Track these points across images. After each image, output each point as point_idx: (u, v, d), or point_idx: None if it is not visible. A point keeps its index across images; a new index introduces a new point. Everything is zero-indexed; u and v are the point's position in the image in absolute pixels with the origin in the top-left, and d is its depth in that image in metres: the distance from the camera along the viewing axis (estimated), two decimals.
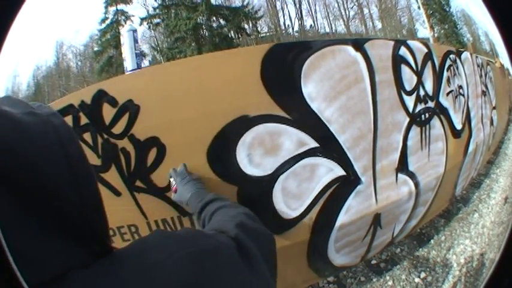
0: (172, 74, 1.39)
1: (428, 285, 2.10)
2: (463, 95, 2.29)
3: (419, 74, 1.86)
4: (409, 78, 1.79)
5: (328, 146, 1.50)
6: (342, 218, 1.62)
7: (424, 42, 1.98)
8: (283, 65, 1.40)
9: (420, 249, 2.37)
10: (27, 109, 0.37)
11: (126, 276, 0.35)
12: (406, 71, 1.78)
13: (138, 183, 1.36)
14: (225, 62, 1.40)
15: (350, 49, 1.55)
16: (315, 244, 1.62)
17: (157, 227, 1.38)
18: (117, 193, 1.37)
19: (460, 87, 2.24)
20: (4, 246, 0.29)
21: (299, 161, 1.45)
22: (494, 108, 3.01)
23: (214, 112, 1.36)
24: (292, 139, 1.43)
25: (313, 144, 1.47)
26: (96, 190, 0.39)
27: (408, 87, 1.79)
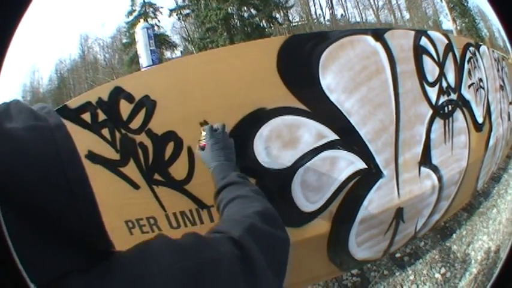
0: (188, 68, 1.33)
1: (447, 281, 1.99)
2: (483, 88, 2.12)
3: (441, 65, 1.73)
4: (431, 70, 1.66)
5: (348, 138, 1.40)
6: (363, 212, 1.52)
7: (445, 33, 1.84)
8: (301, 57, 1.32)
9: (443, 243, 2.23)
10: (30, 121, 0.36)
11: (119, 285, 0.35)
12: (428, 62, 1.65)
13: (157, 176, 1.31)
14: (241, 55, 1.33)
15: (370, 39, 1.44)
16: (335, 238, 1.52)
17: (176, 219, 1.33)
18: (136, 186, 1.32)
19: (481, 80, 2.08)
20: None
21: (318, 153, 1.36)
22: (511, 103, 2.80)
23: (230, 105, 1.29)
24: (311, 132, 1.34)
25: (332, 136, 1.37)
26: (95, 210, 0.38)
27: (431, 79, 1.66)
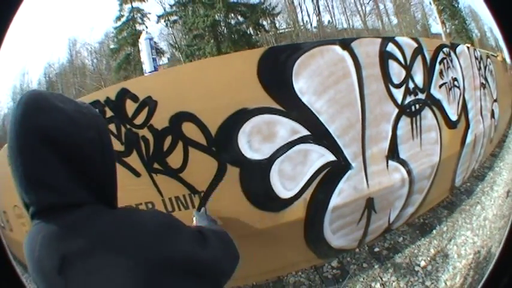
0: (183, 75, 1.89)
1: (428, 274, 2.41)
2: (458, 87, 2.68)
3: (408, 68, 2.29)
4: (397, 72, 2.23)
5: (318, 134, 1.96)
6: (335, 200, 2.06)
7: (414, 38, 2.41)
8: (277, 65, 1.88)
9: (422, 239, 2.74)
10: (77, 107, 0.71)
11: (116, 218, 0.68)
12: (394, 66, 2.21)
13: (156, 165, 1.85)
14: (227, 63, 1.90)
15: (337, 48, 2.01)
16: (311, 223, 2.05)
17: (171, 204, 1.87)
18: (138, 174, 1.86)
19: (455, 79, 2.64)
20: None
21: (293, 147, 1.91)
22: (495, 101, 3.36)
23: (218, 105, 1.84)
24: (286, 128, 1.90)
25: (305, 132, 1.93)
26: (114, 165, 0.76)
27: (396, 81, 2.22)
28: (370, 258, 2.63)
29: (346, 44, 2.03)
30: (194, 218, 1.55)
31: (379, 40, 2.18)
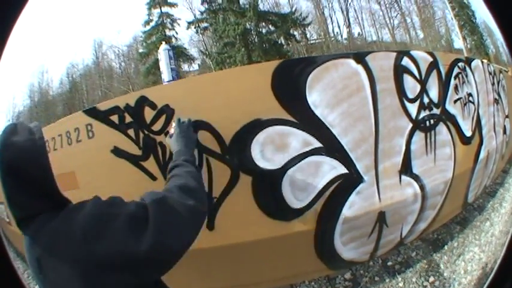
0: (200, 85, 1.99)
1: None
2: (473, 103, 2.69)
3: (423, 82, 2.32)
4: (411, 87, 2.26)
5: (331, 146, 2.00)
6: (346, 212, 2.09)
7: (430, 52, 2.45)
8: (291, 78, 1.95)
9: (434, 254, 2.73)
10: (27, 137, 0.90)
11: (59, 221, 0.85)
12: (408, 80, 2.25)
13: None
14: (243, 75, 1.98)
15: (351, 62, 2.07)
16: (321, 234, 2.09)
17: None
18: (154, 178, 1.95)
19: (470, 94, 2.65)
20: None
21: (305, 158, 1.97)
22: (507, 116, 3.33)
23: (233, 115, 1.92)
24: (299, 139, 1.95)
25: (317, 144, 1.98)
26: (51, 177, 0.90)
27: (411, 95, 2.25)
28: (382, 272, 2.65)
29: (360, 58, 2.09)
30: (173, 124, 1.55)
31: (394, 54, 2.23)
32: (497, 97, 3.15)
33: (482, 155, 2.77)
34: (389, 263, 2.70)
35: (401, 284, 2.57)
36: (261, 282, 2.28)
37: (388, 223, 2.26)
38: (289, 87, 1.95)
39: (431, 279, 2.56)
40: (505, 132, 3.29)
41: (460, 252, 2.70)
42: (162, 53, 2.43)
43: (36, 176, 0.88)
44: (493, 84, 3.09)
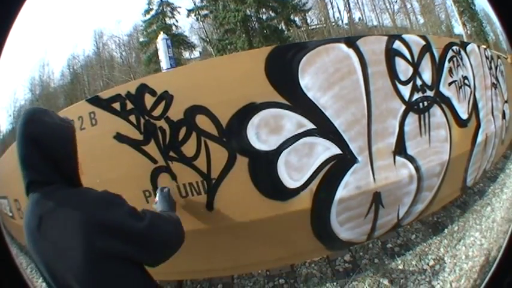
0: (197, 71, 2.12)
1: (435, 274, 2.49)
2: (469, 86, 2.75)
3: (415, 65, 2.40)
4: (404, 70, 2.34)
5: (324, 128, 2.11)
6: (341, 192, 2.19)
7: (423, 35, 2.53)
8: (284, 62, 2.06)
9: (434, 237, 2.80)
10: (55, 120, 1.12)
11: (73, 191, 1.06)
12: (400, 63, 2.34)
13: (172, 153, 2.07)
14: (238, 61, 2.10)
15: (343, 46, 2.17)
16: (318, 214, 2.19)
17: (185, 189, 2.07)
18: (155, 161, 2.08)
19: (465, 77, 2.71)
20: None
21: (299, 139, 2.07)
22: (506, 102, 3.37)
23: (229, 99, 2.04)
24: (292, 121, 2.06)
25: (310, 126, 2.09)
26: (76, 158, 1.14)
27: (403, 78, 2.34)
28: (382, 254, 2.73)
29: (351, 42, 2.19)
30: (157, 195, 1.75)
31: (385, 38, 2.32)
32: (495, 81, 3.20)
33: (480, 138, 2.83)
34: (389, 245, 2.78)
35: (400, 267, 2.65)
36: (261, 262, 2.40)
37: (384, 204, 2.35)
38: (282, 71, 2.06)
39: (432, 262, 2.61)
40: (504, 117, 3.33)
41: (461, 236, 2.76)
42: (160, 43, 2.59)
43: (62, 155, 1.08)
44: (490, 68, 3.14)
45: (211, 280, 2.61)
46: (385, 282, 2.55)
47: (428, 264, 2.61)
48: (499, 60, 3.44)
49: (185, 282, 2.76)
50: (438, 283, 2.40)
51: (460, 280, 2.38)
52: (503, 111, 3.33)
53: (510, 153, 3.96)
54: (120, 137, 2.13)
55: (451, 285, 2.35)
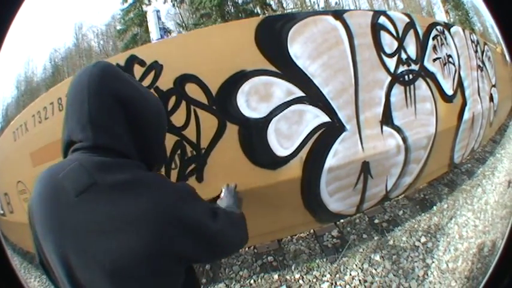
0: (187, 41, 2.19)
1: (429, 252, 2.56)
2: (453, 64, 2.91)
3: (400, 39, 2.54)
4: (389, 43, 2.47)
5: (313, 95, 2.20)
6: (331, 161, 2.27)
7: (407, 13, 2.68)
8: (273, 32, 2.16)
9: (422, 214, 2.90)
10: (143, 88, 0.95)
11: (148, 173, 0.85)
12: (385, 37, 2.47)
13: None
14: (228, 31, 2.18)
15: (330, 18, 2.28)
16: (308, 183, 2.26)
17: (174, 161, 2.11)
18: None
19: (449, 56, 2.88)
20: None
21: (288, 106, 2.16)
22: (494, 86, 3.57)
23: (219, 68, 2.11)
24: (282, 89, 2.15)
25: (299, 93, 2.18)
26: (163, 140, 0.99)
27: (389, 50, 2.47)
28: (370, 229, 2.81)
29: (338, 15, 2.30)
30: (223, 191, 1.73)
31: (371, 13, 2.45)
32: (481, 64, 3.39)
33: (467, 115, 2.98)
34: (376, 221, 2.87)
35: (391, 242, 2.72)
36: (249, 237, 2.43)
37: (372, 174, 2.44)
38: (272, 40, 2.15)
39: (423, 239, 2.68)
40: (492, 100, 3.51)
41: (451, 215, 2.87)
42: (151, 14, 2.64)
43: (151, 124, 0.91)
44: (476, 51, 3.33)
45: None
46: (377, 258, 2.61)
47: (419, 241, 2.68)
48: (486, 46, 3.65)
49: None
50: (433, 261, 2.46)
51: (456, 261, 2.44)
52: (491, 95, 3.52)
53: (500, 139, 4.16)
54: None
55: (447, 265, 2.42)
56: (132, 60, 2.16)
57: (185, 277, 0.87)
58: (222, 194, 1.68)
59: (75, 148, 0.83)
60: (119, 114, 0.83)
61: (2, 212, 3.53)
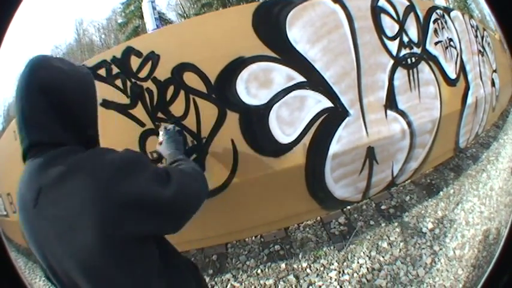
0: (183, 30, 2.15)
1: (436, 238, 2.51)
2: (455, 48, 2.87)
3: (401, 22, 2.50)
4: (390, 26, 2.43)
5: (314, 80, 2.16)
6: (335, 147, 2.23)
7: None
8: (271, 17, 2.12)
9: (429, 200, 2.85)
10: (71, 67, 0.90)
11: (88, 154, 0.81)
12: (386, 20, 2.42)
13: (160, 114, 2.08)
14: (224, 17, 2.15)
15: (328, 2, 2.24)
16: (312, 170, 2.22)
17: None
18: (142, 125, 2.09)
19: (451, 39, 2.83)
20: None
21: (289, 92, 2.12)
22: (494, 71, 3.53)
23: (217, 55, 2.08)
24: (282, 74, 2.11)
25: (300, 78, 2.14)
26: (96, 113, 0.93)
27: (390, 34, 2.42)
28: (377, 216, 2.76)
29: None
30: (160, 134, 1.55)
31: None
32: (481, 49, 3.35)
33: (470, 100, 2.93)
34: (383, 207, 2.82)
35: (398, 229, 2.67)
36: (254, 227, 2.40)
37: (378, 159, 2.40)
38: (270, 25, 2.12)
39: (430, 226, 2.63)
40: (493, 85, 3.47)
41: (458, 200, 2.82)
42: (146, 5, 2.62)
43: (81, 107, 0.88)
44: (476, 36, 3.29)
45: (205, 252, 2.59)
46: (384, 245, 2.57)
47: (427, 228, 2.63)
48: (485, 32, 3.61)
49: None
50: (441, 248, 2.41)
51: (463, 248, 2.39)
52: (493, 80, 3.47)
53: (502, 124, 4.11)
54: (106, 103, 2.13)
55: (454, 252, 2.37)
56: (129, 51, 2.13)
57: (159, 251, 0.85)
58: (160, 138, 1.53)
59: (24, 151, 0.85)
60: (43, 103, 0.81)
61: (5, 213, 3.51)
